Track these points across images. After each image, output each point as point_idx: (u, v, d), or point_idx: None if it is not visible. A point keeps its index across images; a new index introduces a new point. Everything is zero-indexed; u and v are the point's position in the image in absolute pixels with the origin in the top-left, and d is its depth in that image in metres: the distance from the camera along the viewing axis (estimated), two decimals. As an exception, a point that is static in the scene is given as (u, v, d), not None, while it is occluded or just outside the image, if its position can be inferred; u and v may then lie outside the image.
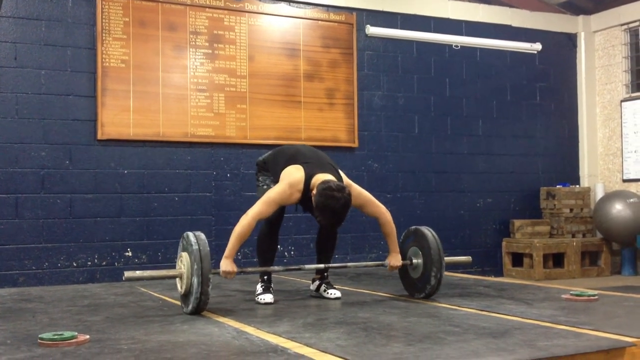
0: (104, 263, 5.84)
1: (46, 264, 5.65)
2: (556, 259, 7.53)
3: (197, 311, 3.63)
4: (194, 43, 6.24)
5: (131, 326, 3.30)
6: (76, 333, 2.94)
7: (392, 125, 7.14)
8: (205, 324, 3.32)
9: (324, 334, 2.99)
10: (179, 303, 4.01)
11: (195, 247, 3.57)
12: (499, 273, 7.56)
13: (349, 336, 2.94)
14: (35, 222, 5.63)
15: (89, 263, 5.79)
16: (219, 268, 3.77)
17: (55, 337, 2.85)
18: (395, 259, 4.11)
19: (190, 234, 3.67)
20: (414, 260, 4.17)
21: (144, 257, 5.98)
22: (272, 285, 4.19)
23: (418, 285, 4.20)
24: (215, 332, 3.09)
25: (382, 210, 4.06)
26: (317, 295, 4.32)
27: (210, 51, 6.30)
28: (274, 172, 4.12)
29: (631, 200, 7.38)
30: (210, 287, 3.59)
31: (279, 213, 4.08)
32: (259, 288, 4.14)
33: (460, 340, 2.81)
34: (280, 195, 3.87)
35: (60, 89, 5.77)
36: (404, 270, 4.29)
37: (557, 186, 7.80)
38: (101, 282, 5.75)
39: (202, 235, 3.68)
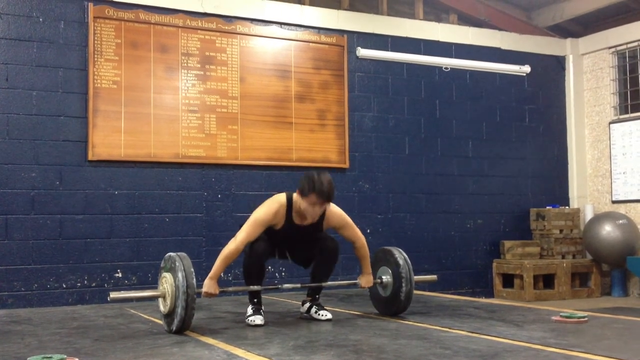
0: (94, 284, 5.81)
1: (35, 285, 5.61)
2: (546, 280, 7.54)
3: (181, 330, 3.68)
4: (185, 64, 6.27)
5: (120, 349, 3.29)
6: (65, 356, 2.93)
7: (382, 146, 7.17)
8: (195, 347, 3.31)
9: (314, 357, 2.98)
10: (167, 325, 4.00)
11: (179, 267, 3.66)
12: (490, 294, 7.56)
13: (339, 359, 2.93)
14: (24, 243, 5.60)
15: (79, 284, 5.76)
16: (202, 287, 3.91)
17: (44, 360, 2.83)
18: (367, 279, 4.34)
19: (173, 254, 3.80)
20: (384, 279, 4.34)
21: (134, 278, 5.95)
22: (263, 307, 4.19)
23: (388, 303, 4.38)
24: (205, 355, 3.08)
25: (359, 235, 4.28)
26: (308, 316, 4.31)
27: (201, 72, 6.33)
28: None
29: (620, 221, 7.41)
30: (194, 306, 3.65)
31: (268, 249, 4.09)
32: (249, 310, 4.14)
33: (450, 363, 2.81)
34: (265, 213, 4.03)
35: (52, 110, 5.78)
36: (374, 290, 4.49)
37: (547, 207, 7.83)
38: (91, 303, 5.71)
39: (186, 256, 3.81)
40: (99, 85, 5.90)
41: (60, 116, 5.81)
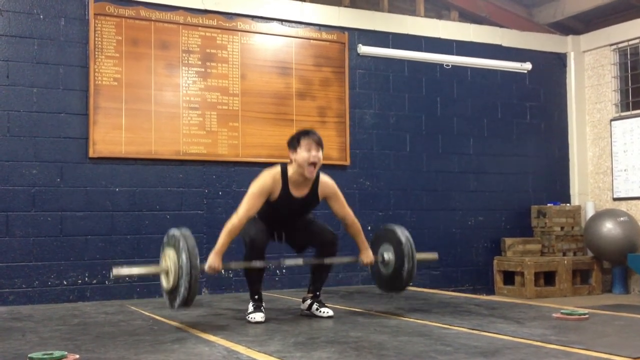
0: (95, 281, 5.81)
1: (36, 282, 5.61)
2: (547, 277, 7.54)
3: (186, 304, 3.68)
4: (186, 61, 6.26)
5: (121, 345, 3.29)
6: (66, 352, 2.93)
7: (383, 143, 7.16)
8: (196, 343, 3.31)
9: (315, 354, 2.98)
10: (170, 322, 4.01)
11: (184, 246, 3.65)
12: (491, 291, 7.56)
13: (340, 355, 2.93)
14: (25, 240, 5.60)
15: (80, 281, 5.76)
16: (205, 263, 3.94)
17: (45, 356, 2.83)
18: (367, 255, 4.31)
19: (175, 230, 3.78)
20: (385, 256, 4.29)
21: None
22: (264, 304, 4.19)
23: (390, 281, 4.35)
24: (206, 352, 3.08)
25: (350, 211, 4.29)
26: (309, 313, 4.31)
27: (202, 69, 6.32)
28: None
29: (621, 218, 7.41)
30: (197, 286, 3.65)
31: (266, 235, 4.10)
32: (250, 307, 4.14)
33: None
34: (262, 180, 4.09)
35: (52, 107, 5.77)
36: (376, 268, 4.45)
37: (548, 204, 7.82)
38: (92, 300, 5.72)
39: (190, 234, 3.80)
40: (99, 82, 5.90)
41: (60, 113, 5.80)
